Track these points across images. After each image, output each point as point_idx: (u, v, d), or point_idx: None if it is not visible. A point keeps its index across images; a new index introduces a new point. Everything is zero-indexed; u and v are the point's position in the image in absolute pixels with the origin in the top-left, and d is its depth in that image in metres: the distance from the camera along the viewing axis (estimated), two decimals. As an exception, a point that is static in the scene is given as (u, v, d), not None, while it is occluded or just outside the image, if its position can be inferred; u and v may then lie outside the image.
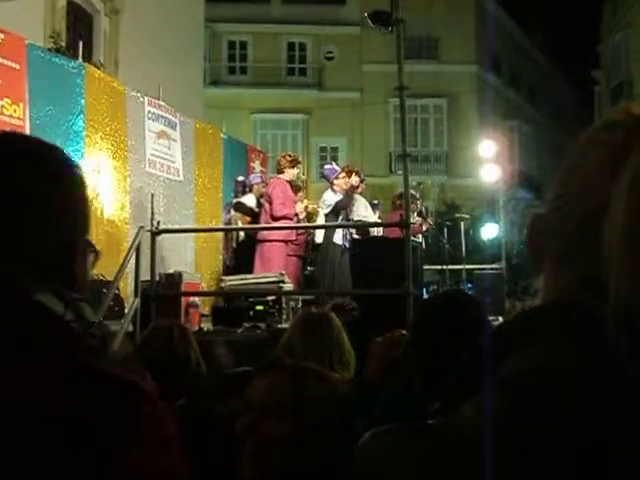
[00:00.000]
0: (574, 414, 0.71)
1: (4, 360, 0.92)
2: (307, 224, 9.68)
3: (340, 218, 9.53)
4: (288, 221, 9.41)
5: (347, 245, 9.26)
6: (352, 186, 9.64)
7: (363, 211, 9.98)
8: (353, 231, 9.48)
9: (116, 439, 0.90)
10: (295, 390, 1.80)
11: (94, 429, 0.90)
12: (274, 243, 9.33)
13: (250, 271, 9.50)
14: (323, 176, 10.22)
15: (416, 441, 0.76)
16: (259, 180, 10.75)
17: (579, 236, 0.81)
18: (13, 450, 0.87)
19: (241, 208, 10.32)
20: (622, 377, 0.71)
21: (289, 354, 3.30)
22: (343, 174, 9.87)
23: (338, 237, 9.41)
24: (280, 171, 9.77)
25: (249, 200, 10.35)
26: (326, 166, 10.54)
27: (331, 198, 9.60)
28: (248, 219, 10.28)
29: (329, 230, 9.45)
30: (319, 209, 9.90)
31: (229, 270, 10.48)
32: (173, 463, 0.95)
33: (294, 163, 9.72)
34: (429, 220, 12.34)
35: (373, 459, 0.79)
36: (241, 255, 10.20)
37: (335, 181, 9.80)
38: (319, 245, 9.72)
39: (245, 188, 10.73)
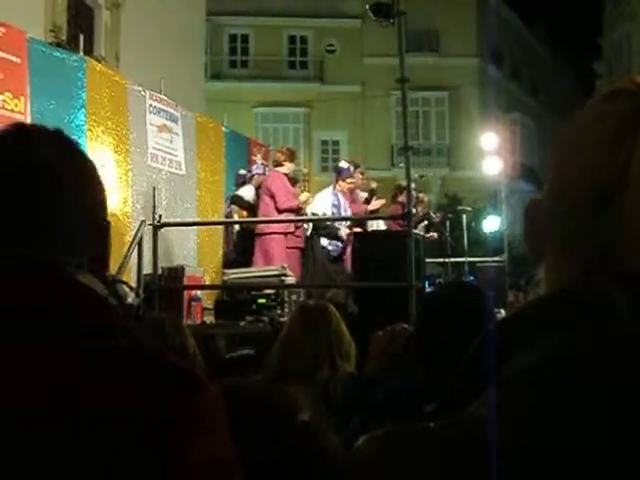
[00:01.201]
0: (595, 409, 0.66)
1: (57, 345, 0.91)
2: (307, 217, 9.68)
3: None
4: (291, 214, 9.43)
5: (331, 249, 9.36)
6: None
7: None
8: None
9: (176, 427, 0.89)
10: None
11: (154, 416, 0.88)
12: (273, 236, 9.34)
13: (248, 264, 9.51)
14: (336, 170, 10.25)
15: (420, 443, 0.71)
16: (261, 171, 10.74)
17: (584, 218, 0.75)
18: (71, 439, 0.85)
19: (237, 201, 10.32)
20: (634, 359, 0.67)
21: (288, 347, 3.30)
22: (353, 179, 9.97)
23: (324, 241, 9.50)
24: (279, 164, 9.79)
25: (247, 192, 10.35)
26: (342, 164, 10.56)
27: (320, 198, 9.70)
28: (245, 213, 10.29)
29: (315, 233, 9.54)
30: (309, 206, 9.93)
31: (229, 263, 10.49)
32: (230, 449, 0.94)
33: (292, 156, 9.73)
34: (437, 230, 12.44)
35: (373, 462, 0.74)
36: (239, 248, 10.21)
37: (341, 182, 9.83)
38: (307, 238, 9.80)
39: (244, 180, 10.73)
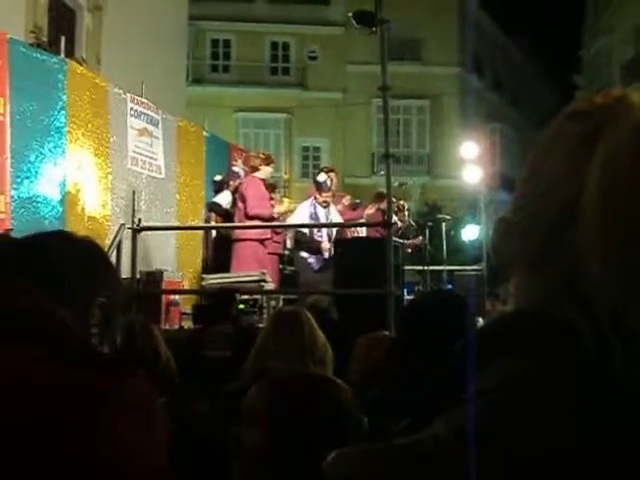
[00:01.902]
0: (558, 427, 0.67)
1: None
2: (285, 223, 9.67)
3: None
4: (261, 220, 9.34)
5: (311, 261, 9.36)
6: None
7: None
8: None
9: (90, 411, 0.98)
10: (273, 399, 1.79)
11: (64, 400, 0.98)
12: (247, 242, 9.27)
13: (224, 270, 9.48)
14: (315, 182, 10.18)
15: (389, 462, 0.71)
16: (239, 176, 10.68)
17: (548, 236, 0.75)
18: None
19: (215, 209, 10.29)
20: (603, 384, 0.68)
21: (263, 354, 3.30)
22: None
23: (304, 254, 9.49)
24: (254, 169, 9.73)
25: (224, 198, 10.31)
26: (320, 177, 10.53)
27: (299, 211, 9.70)
28: (220, 219, 10.26)
29: (296, 247, 9.54)
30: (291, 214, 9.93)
31: (207, 269, 10.47)
32: (153, 439, 1.02)
33: (268, 161, 9.70)
34: (416, 239, 12.48)
35: None
36: (216, 254, 10.19)
37: (323, 194, 9.79)
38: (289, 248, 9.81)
39: (222, 186, 10.69)
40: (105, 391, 1.02)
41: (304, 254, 9.49)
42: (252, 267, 8.95)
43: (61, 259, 1.35)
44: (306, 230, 9.57)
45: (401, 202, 12.56)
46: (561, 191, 0.74)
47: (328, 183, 10.00)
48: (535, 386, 0.70)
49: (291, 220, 9.79)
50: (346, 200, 11.43)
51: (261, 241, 9.37)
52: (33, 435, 0.94)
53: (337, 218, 10.06)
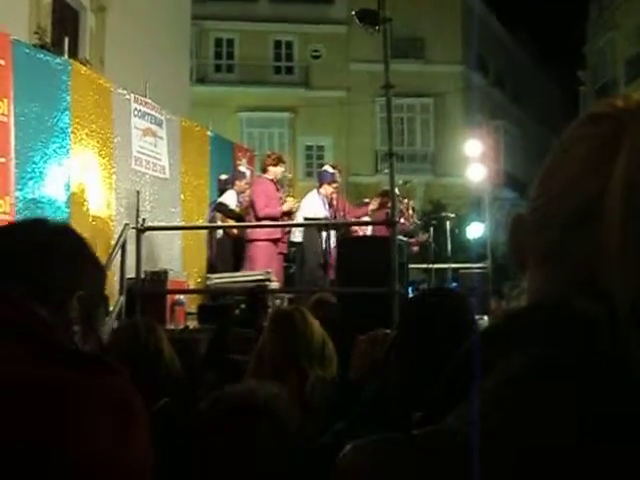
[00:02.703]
0: (570, 423, 0.68)
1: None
2: (290, 222, 9.67)
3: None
4: (271, 220, 9.38)
5: (324, 247, 9.33)
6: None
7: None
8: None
9: (69, 410, 0.98)
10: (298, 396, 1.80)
11: (48, 397, 0.98)
12: (258, 243, 9.31)
13: (230, 270, 9.50)
14: (320, 175, 10.23)
15: (401, 455, 0.72)
16: (244, 176, 10.68)
17: (565, 234, 0.77)
18: None
19: (221, 209, 10.29)
20: (618, 378, 0.69)
21: (262, 353, 3.32)
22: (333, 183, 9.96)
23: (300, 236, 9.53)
24: (264, 170, 9.80)
25: (229, 198, 10.32)
26: (327, 168, 10.52)
27: (310, 202, 9.67)
28: (228, 220, 10.25)
29: (308, 231, 9.50)
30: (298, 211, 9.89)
31: (211, 268, 10.48)
32: (138, 442, 1.02)
33: (276, 161, 9.71)
34: (421, 236, 12.46)
35: (356, 474, 0.74)
36: (221, 254, 10.19)
37: (326, 186, 9.83)
38: (297, 243, 9.73)
39: (227, 186, 10.70)
40: (87, 387, 1.02)
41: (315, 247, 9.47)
42: (263, 267, 8.98)
43: (34, 250, 1.30)
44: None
45: (409, 201, 12.58)
46: (583, 189, 0.76)
47: (336, 174, 10.06)
48: (548, 378, 0.71)
49: (305, 212, 9.73)
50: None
51: (273, 241, 9.39)
52: (14, 431, 0.95)
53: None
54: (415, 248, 11.54)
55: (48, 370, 1.02)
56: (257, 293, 6.65)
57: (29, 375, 1.00)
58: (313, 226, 9.47)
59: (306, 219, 9.50)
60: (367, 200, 11.74)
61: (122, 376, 1.06)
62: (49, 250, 1.34)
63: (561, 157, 0.81)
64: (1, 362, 1.02)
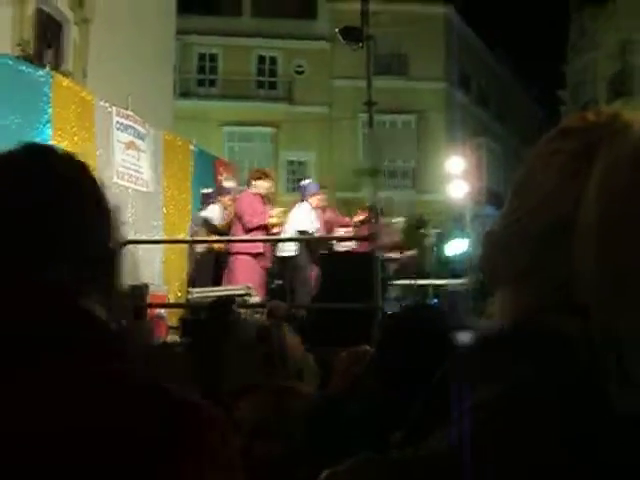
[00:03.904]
0: (551, 443, 0.67)
1: (50, 368, 0.88)
2: (275, 237, 9.65)
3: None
4: (260, 233, 9.37)
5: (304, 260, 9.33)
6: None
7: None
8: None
9: (170, 458, 0.85)
10: (279, 411, 1.79)
11: (145, 447, 0.84)
12: (239, 256, 9.29)
13: (212, 284, 9.47)
14: (303, 188, 10.26)
15: (385, 476, 0.71)
16: (228, 191, 10.68)
17: (540, 249, 0.76)
18: (57, 460, 0.83)
19: (205, 224, 10.27)
20: (596, 399, 0.68)
21: (240, 369, 3.32)
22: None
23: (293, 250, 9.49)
24: (248, 184, 9.81)
25: (213, 212, 10.30)
26: (306, 181, 10.56)
27: (300, 215, 9.64)
28: (211, 234, 10.22)
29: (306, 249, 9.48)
30: (287, 223, 9.86)
31: (193, 282, 10.44)
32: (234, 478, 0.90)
33: (259, 175, 9.72)
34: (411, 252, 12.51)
35: None
36: (203, 268, 10.16)
37: (310, 198, 9.85)
38: (282, 258, 9.68)
39: (210, 200, 10.68)
40: (196, 406, 0.91)
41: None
42: (244, 281, 8.95)
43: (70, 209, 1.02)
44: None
45: (396, 220, 12.66)
46: (556, 204, 0.75)
47: (317, 186, 10.12)
48: (526, 401, 0.70)
49: (297, 225, 9.69)
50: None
51: (254, 255, 9.37)
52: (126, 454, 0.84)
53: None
54: (393, 265, 11.56)
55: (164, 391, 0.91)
56: (220, 305, 6.63)
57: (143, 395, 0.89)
58: (299, 241, 9.45)
59: (300, 233, 9.47)
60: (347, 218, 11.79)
61: (214, 420, 0.93)
62: (83, 205, 1.06)
63: (533, 172, 0.80)
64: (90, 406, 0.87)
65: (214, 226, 10.09)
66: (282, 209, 9.87)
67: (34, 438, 0.84)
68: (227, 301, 6.70)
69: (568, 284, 0.72)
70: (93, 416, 0.86)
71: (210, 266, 9.88)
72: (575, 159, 0.76)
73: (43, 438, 0.84)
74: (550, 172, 0.78)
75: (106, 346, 0.93)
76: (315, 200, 9.96)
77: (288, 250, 9.53)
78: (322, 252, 9.32)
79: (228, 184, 10.97)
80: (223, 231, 9.95)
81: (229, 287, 9.00)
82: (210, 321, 6.22)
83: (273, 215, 9.56)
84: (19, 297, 0.92)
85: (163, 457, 0.85)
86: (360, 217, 10.70)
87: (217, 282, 9.56)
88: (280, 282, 10.17)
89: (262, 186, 9.67)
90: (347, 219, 11.18)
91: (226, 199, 10.37)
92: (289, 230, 9.60)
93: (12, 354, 0.88)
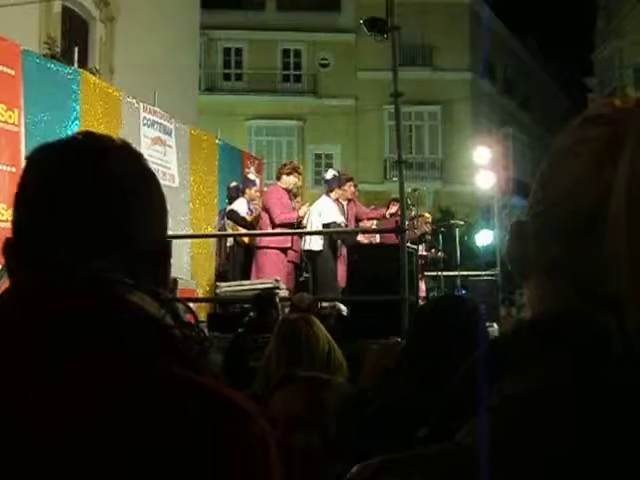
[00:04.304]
0: (577, 440, 0.66)
1: (96, 363, 0.88)
2: (302, 230, 9.66)
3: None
4: (288, 228, 9.38)
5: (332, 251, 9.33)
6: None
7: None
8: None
9: (210, 462, 0.85)
10: (313, 403, 1.79)
11: (200, 452, 0.84)
12: (267, 250, 9.31)
13: (241, 277, 9.49)
14: (326, 182, 10.24)
15: (413, 476, 0.70)
16: (254, 184, 10.71)
17: (570, 240, 0.74)
18: (99, 456, 0.83)
19: (233, 217, 10.30)
20: (628, 392, 0.67)
21: (269, 361, 3.34)
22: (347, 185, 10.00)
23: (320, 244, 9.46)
24: (278, 178, 9.81)
25: (240, 205, 10.33)
26: (329, 174, 10.53)
27: (327, 208, 9.61)
28: (239, 228, 10.24)
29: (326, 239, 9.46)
30: (312, 216, 9.85)
31: (222, 276, 10.48)
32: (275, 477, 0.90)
33: (290, 171, 9.72)
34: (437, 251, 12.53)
35: None
36: (231, 262, 10.20)
37: (337, 190, 9.84)
38: (308, 252, 9.67)
39: (238, 193, 10.71)
40: (250, 410, 0.91)
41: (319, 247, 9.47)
42: (272, 275, 8.97)
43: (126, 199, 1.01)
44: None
45: (427, 214, 12.71)
46: (585, 194, 0.74)
47: (339, 177, 10.12)
48: (554, 397, 0.70)
49: (324, 218, 9.65)
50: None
51: (282, 249, 9.39)
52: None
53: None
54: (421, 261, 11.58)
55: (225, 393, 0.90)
56: (265, 298, 6.63)
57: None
58: (327, 234, 9.44)
59: (325, 226, 9.44)
60: (374, 207, 11.77)
61: (264, 428, 0.92)
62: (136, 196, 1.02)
63: (561, 161, 0.79)
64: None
65: (241, 219, 10.11)
66: (308, 204, 9.87)
67: (77, 423, 0.85)
68: (270, 295, 6.74)
69: (600, 274, 0.71)
70: (138, 405, 0.86)
71: (240, 260, 9.91)
72: (604, 147, 0.74)
73: (86, 423, 0.85)
74: (578, 161, 0.76)
75: (154, 341, 0.92)
76: (339, 192, 9.94)
77: (314, 244, 9.52)
78: (350, 244, 9.31)
79: (251, 176, 11.01)
80: (251, 224, 9.98)
81: (258, 281, 9.02)
82: (255, 315, 6.26)
83: (304, 208, 9.58)
84: (68, 287, 0.92)
85: (202, 450, 0.85)
86: (392, 209, 10.67)
87: (247, 276, 9.58)
88: (307, 275, 10.18)
89: (291, 182, 9.67)
90: (379, 210, 11.13)
91: (252, 191, 10.40)
92: (314, 223, 9.58)
93: (62, 342, 0.88)
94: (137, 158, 1.06)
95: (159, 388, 0.88)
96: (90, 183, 0.99)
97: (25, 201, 1.00)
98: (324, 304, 8.06)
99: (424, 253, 12.01)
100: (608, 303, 0.70)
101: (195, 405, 0.88)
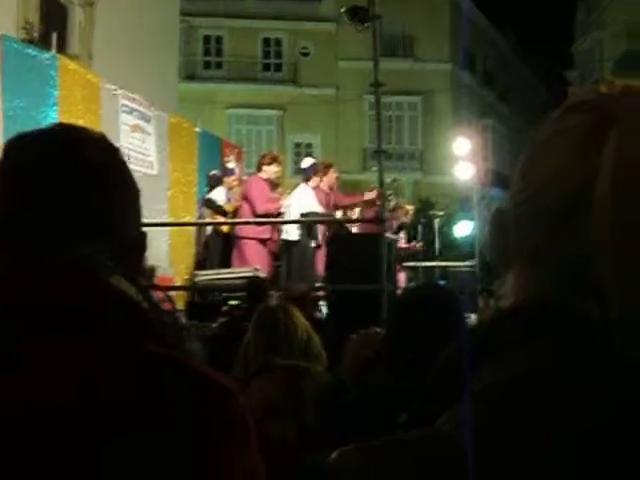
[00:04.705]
0: (560, 423, 0.67)
1: (79, 345, 0.88)
2: (281, 219, 9.64)
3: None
4: (271, 217, 9.38)
5: (311, 241, 9.33)
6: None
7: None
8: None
9: (208, 440, 0.86)
10: (291, 391, 1.79)
11: (183, 429, 0.85)
12: (247, 241, 9.30)
13: (219, 266, 9.48)
14: (303, 170, 10.22)
15: (393, 460, 0.70)
16: (233, 173, 10.68)
17: (552, 227, 0.74)
18: (86, 440, 0.83)
19: (211, 205, 10.27)
20: (612, 382, 0.67)
21: (247, 349, 3.34)
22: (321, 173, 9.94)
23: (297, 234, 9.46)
24: (259, 168, 9.78)
25: (219, 194, 10.30)
26: (306, 162, 10.50)
27: (306, 197, 9.59)
28: (217, 216, 10.21)
29: (307, 233, 9.45)
30: (291, 205, 9.83)
31: (200, 265, 10.45)
32: (258, 462, 0.91)
33: (271, 161, 9.70)
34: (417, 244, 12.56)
35: None
36: (210, 251, 10.17)
37: (314, 177, 9.82)
38: (286, 241, 9.65)
39: (217, 182, 10.68)
40: (231, 389, 0.93)
41: (313, 243, 9.47)
42: (253, 264, 8.96)
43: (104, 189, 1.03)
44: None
45: (409, 207, 12.76)
46: (568, 180, 0.73)
47: (316, 165, 10.10)
48: (535, 381, 0.70)
49: (301, 208, 9.62)
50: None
51: (262, 240, 9.38)
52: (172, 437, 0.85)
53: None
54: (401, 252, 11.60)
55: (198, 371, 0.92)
56: (257, 285, 6.63)
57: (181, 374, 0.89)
58: (306, 223, 9.43)
59: (303, 215, 9.42)
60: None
61: (243, 402, 0.94)
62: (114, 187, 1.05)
63: (543, 150, 0.78)
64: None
65: (220, 208, 10.08)
66: (288, 193, 9.86)
67: (59, 410, 0.84)
68: (261, 283, 6.73)
69: (583, 260, 0.70)
70: (119, 389, 0.86)
71: (218, 249, 9.89)
72: (587, 131, 0.74)
73: (69, 410, 0.84)
74: (562, 147, 0.75)
75: (134, 322, 0.93)
76: (322, 179, 9.92)
77: (291, 233, 9.51)
78: (329, 235, 9.31)
79: (230, 165, 10.98)
80: (228, 213, 9.96)
81: (236, 270, 9.01)
82: (246, 304, 6.25)
83: (282, 202, 9.56)
84: (50, 270, 0.93)
85: (183, 428, 0.85)
86: (371, 195, 10.64)
87: (226, 265, 9.56)
88: (284, 265, 10.16)
89: (272, 171, 9.65)
90: (357, 196, 11.09)
91: (230, 180, 10.38)
92: (292, 213, 9.56)
93: (43, 325, 0.89)
94: (114, 151, 1.08)
95: (137, 367, 0.89)
96: (70, 172, 1.00)
97: (5, 190, 1.00)
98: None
99: (404, 245, 12.04)
100: (591, 291, 0.69)
101: (174, 382, 0.88)
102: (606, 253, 0.68)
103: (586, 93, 0.79)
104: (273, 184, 9.77)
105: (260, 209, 9.23)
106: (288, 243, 9.50)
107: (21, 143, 1.03)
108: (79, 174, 1.00)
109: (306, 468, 1.69)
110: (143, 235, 1.10)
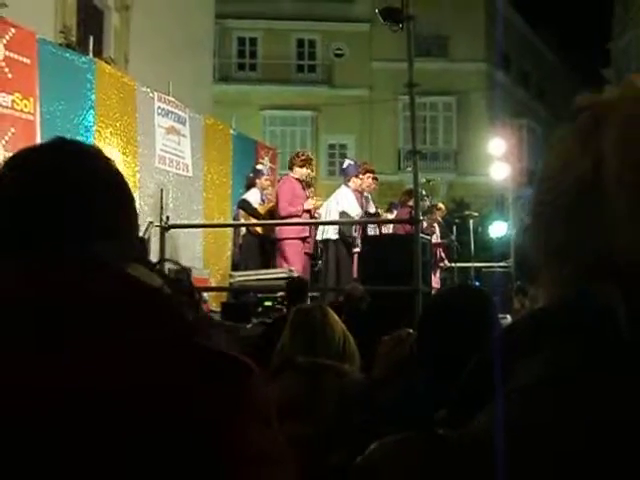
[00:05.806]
0: (589, 424, 0.67)
1: (109, 337, 0.92)
2: (317, 220, 9.66)
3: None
4: (297, 219, 9.40)
5: (349, 240, 9.34)
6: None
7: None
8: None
9: (228, 419, 0.90)
10: (311, 390, 1.79)
11: (205, 409, 0.89)
12: (286, 241, 9.34)
13: (256, 267, 9.53)
14: (342, 170, 10.26)
15: (433, 454, 0.72)
16: (264, 173, 10.73)
17: (569, 220, 0.75)
18: (120, 423, 0.87)
19: (244, 207, 10.33)
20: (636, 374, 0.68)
21: (282, 350, 3.34)
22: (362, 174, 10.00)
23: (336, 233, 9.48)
24: (290, 168, 9.83)
25: (252, 195, 10.35)
26: (346, 163, 10.54)
27: (345, 198, 9.63)
28: (251, 218, 10.26)
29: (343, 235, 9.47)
30: (330, 204, 9.86)
31: (236, 266, 10.51)
32: (281, 444, 0.96)
33: (303, 162, 9.73)
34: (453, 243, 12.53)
35: (383, 472, 0.74)
36: (246, 252, 10.22)
37: (355, 179, 9.85)
38: (323, 241, 9.68)
39: (252, 183, 10.73)
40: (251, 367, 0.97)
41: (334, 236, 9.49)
42: (296, 265, 9.01)
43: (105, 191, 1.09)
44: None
45: (440, 204, 12.70)
46: (573, 171, 0.75)
47: (357, 166, 10.13)
48: (564, 383, 0.70)
49: (341, 207, 9.65)
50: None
51: (301, 239, 9.42)
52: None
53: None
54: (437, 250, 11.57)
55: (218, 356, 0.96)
56: (298, 285, 6.65)
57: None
58: (339, 224, 9.45)
59: (340, 215, 9.47)
60: (395, 202, 11.78)
61: (262, 382, 0.99)
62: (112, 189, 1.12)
63: (553, 149, 0.82)
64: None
65: (252, 209, 10.14)
66: (318, 198, 9.91)
67: (92, 396, 0.88)
68: (301, 284, 6.76)
69: (603, 246, 0.71)
70: (146, 372, 0.90)
71: (253, 250, 9.93)
72: (590, 124, 0.77)
73: (104, 396, 0.88)
74: (562, 151, 0.79)
75: (157, 308, 0.97)
76: (355, 181, 9.94)
77: (330, 233, 9.54)
78: (363, 235, 9.32)
79: (259, 166, 11.03)
80: (263, 214, 10.00)
81: (271, 271, 9.05)
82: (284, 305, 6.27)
83: (309, 202, 9.58)
84: (70, 266, 0.97)
85: (210, 410, 0.90)
86: (404, 210, 10.66)
87: (261, 265, 9.61)
88: (321, 265, 10.19)
89: (304, 173, 9.69)
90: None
91: (262, 180, 10.42)
92: (331, 213, 9.60)
93: (73, 318, 0.93)
94: (111, 161, 1.16)
95: (162, 350, 0.93)
96: (77, 178, 1.06)
97: (19, 195, 1.05)
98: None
99: (438, 241, 11.98)
100: (612, 274, 0.70)
101: (196, 364, 0.93)
102: (625, 229, 0.70)
103: (582, 100, 0.83)
104: (305, 183, 9.80)
105: (283, 212, 9.29)
106: (326, 243, 9.54)
107: (25, 154, 1.11)
108: (86, 180, 1.07)
109: (324, 467, 1.70)
110: (143, 242, 1.16)
